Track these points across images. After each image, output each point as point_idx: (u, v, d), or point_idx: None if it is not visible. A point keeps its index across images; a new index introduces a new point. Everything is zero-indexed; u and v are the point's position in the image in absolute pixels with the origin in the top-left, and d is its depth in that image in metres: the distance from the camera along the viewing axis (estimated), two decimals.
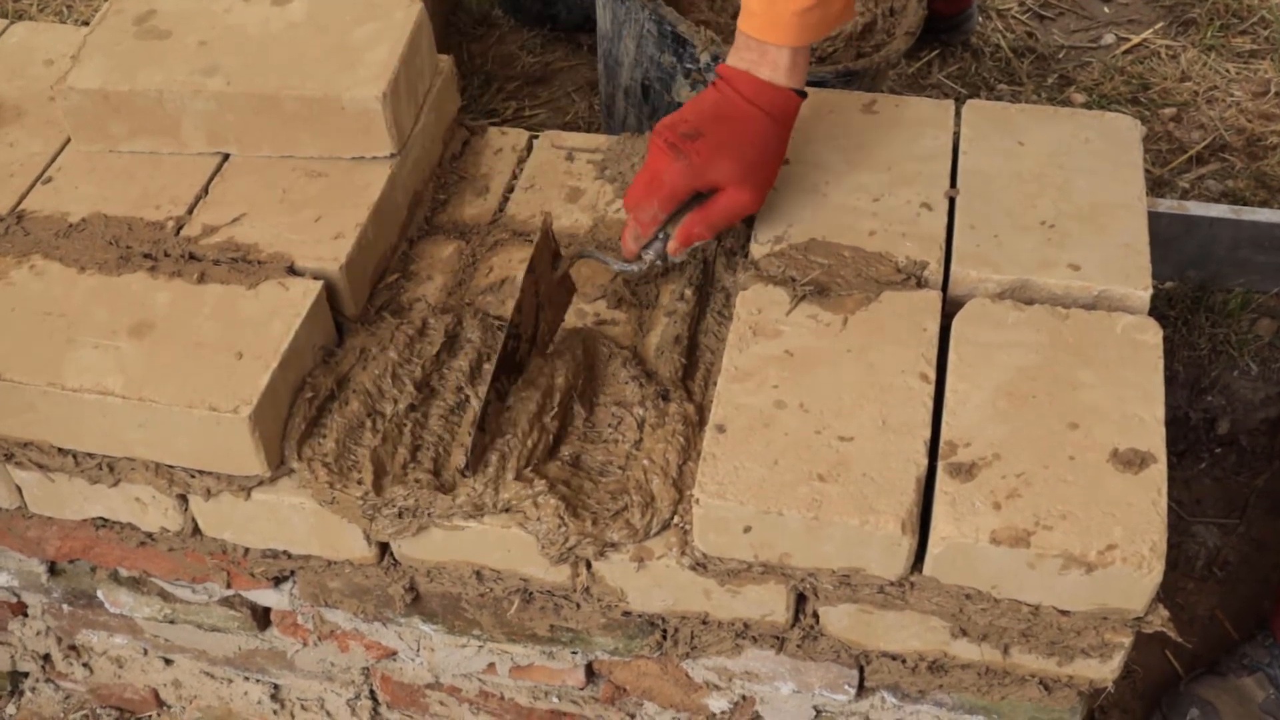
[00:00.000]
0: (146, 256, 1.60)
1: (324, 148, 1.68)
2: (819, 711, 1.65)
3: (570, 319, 1.63)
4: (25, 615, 1.98)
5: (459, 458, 1.45)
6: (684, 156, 1.46)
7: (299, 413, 1.49)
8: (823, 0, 1.42)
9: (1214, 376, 2.48)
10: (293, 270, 1.56)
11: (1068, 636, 1.38)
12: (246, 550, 1.61)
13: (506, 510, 1.44)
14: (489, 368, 1.52)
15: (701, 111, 1.50)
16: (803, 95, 1.51)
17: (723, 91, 1.50)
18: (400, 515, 1.46)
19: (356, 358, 1.55)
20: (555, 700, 1.77)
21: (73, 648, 2.01)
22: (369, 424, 1.49)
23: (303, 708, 1.97)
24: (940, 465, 1.34)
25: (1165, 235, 2.42)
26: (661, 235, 1.54)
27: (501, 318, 1.63)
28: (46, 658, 2.05)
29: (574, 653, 1.64)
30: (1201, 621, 2.29)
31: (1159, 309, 2.41)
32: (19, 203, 1.68)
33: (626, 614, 1.54)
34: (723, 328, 1.58)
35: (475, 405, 1.50)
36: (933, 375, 1.43)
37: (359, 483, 1.44)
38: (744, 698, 1.66)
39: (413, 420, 1.50)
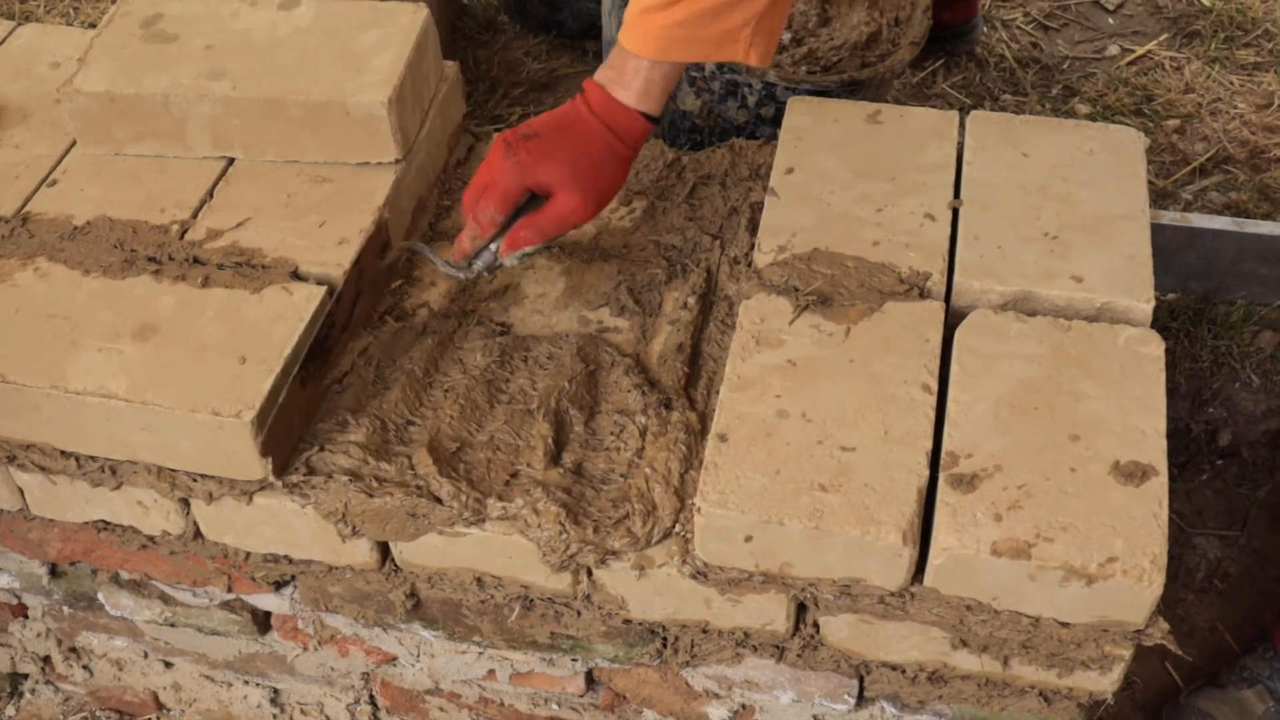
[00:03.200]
0: (151, 260, 1.60)
1: (329, 153, 1.68)
2: None
3: (572, 326, 1.63)
4: (26, 617, 1.98)
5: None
6: (515, 154, 1.48)
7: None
8: (696, 18, 1.40)
9: (1216, 388, 2.48)
10: (297, 275, 1.56)
11: (1068, 648, 1.38)
12: (248, 554, 1.61)
13: (509, 518, 1.44)
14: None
15: (546, 118, 1.52)
16: (653, 122, 1.50)
17: (574, 102, 1.52)
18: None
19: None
20: (555, 707, 1.77)
21: (73, 650, 2.01)
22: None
23: (302, 712, 1.96)
24: (941, 476, 1.34)
25: (1168, 247, 2.42)
26: (493, 245, 1.54)
27: (504, 324, 1.63)
28: (46, 660, 2.05)
29: (574, 660, 1.64)
30: (1202, 633, 2.28)
31: (1161, 320, 2.42)
32: (24, 205, 1.69)
33: (627, 622, 1.54)
34: (725, 336, 1.58)
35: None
36: (935, 386, 1.43)
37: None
38: (744, 706, 1.66)
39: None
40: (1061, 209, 1.60)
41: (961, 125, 1.73)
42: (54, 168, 1.74)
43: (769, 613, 1.46)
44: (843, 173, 1.66)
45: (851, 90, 2.22)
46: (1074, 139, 1.69)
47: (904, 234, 1.58)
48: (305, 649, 1.81)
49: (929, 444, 1.37)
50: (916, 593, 1.37)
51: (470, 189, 1.53)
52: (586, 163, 1.48)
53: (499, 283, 1.67)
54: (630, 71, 1.47)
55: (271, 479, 1.47)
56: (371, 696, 1.89)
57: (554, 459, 1.47)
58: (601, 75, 1.50)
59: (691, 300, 1.62)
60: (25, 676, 2.13)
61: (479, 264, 1.55)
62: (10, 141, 1.78)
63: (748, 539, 1.35)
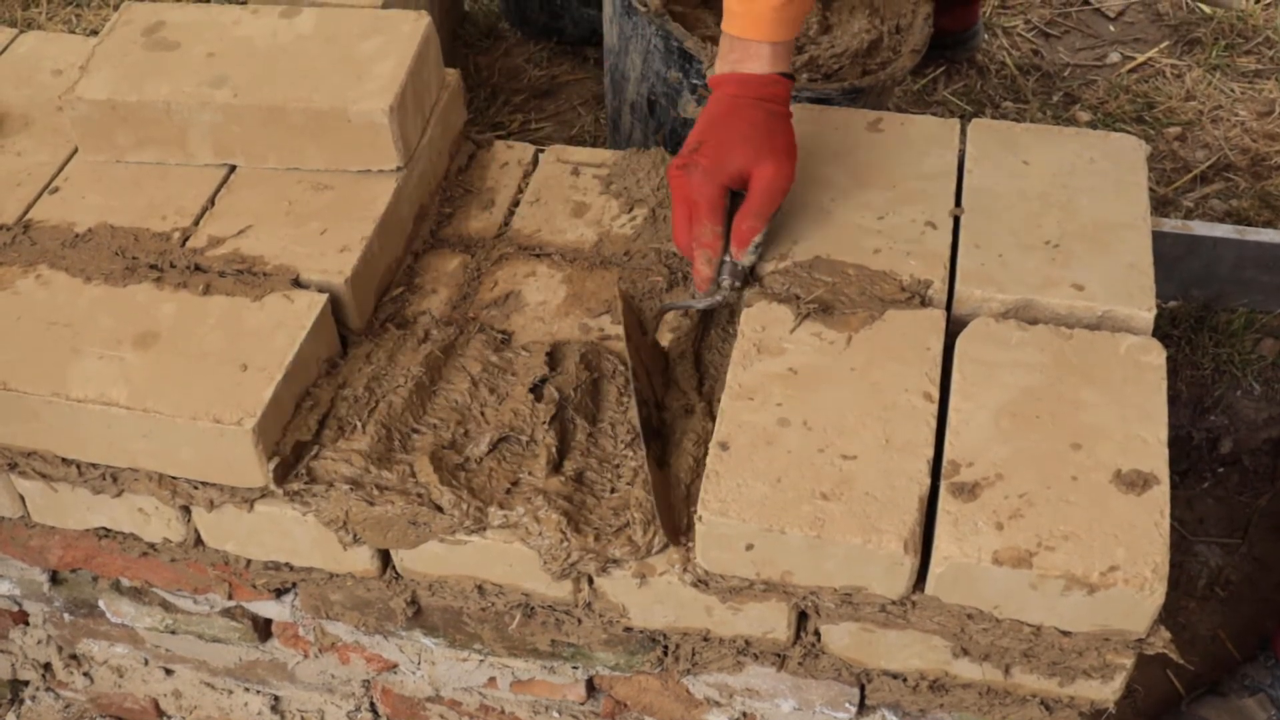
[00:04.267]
0: (152, 267, 1.60)
1: (330, 160, 1.68)
2: None
3: (573, 334, 1.63)
4: (26, 624, 1.98)
5: (647, 532, 1.42)
6: (695, 167, 1.50)
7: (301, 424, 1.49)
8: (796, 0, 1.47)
9: (1217, 396, 2.48)
10: (298, 283, 1.56)
11: (1069, 657, 1.38)
12: (248, 562, 1.61)
13: (510, 526, 1.44)
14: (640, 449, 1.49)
15: (696, 128, 1.55)
16: (791, 79, 1.55)
17: (712, 99, 1.55)
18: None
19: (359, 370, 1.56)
20: (556, 715, 1.77)
21: (74, 657, 2.00)
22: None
23: (303, 719, 1.96)
24: (943, 485, 1.34)
25: (1169, 255, 2.42)
26: (726, 258, 1.53)
27: (505, 331, 1.63)
28: (47, 666, 2.05)
29: (575, 668, 1.64)
30: (1203, 642, 2.28)
31: (1162, 328, 2.42)
32: (26, 212, 1.69)
33: (628, 630, 1.54)
34: (727, 345, 1.58)
35: (641, 479, 1.47)
36: (936, 394, 1.43)
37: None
38: (745, 714, 1.66)
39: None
40: (1062, 217, 1.60)
41: (963, 133, 1.73)
42: (56, 175, 1.74)
43: (770, 621, 1.46)
44: (843, 180, 1.66)
45: (852, 98, 2.22)
46: (1075, 147, 1.69)
47: (905, 242, 1.58)
48: (306, 656, 1.81)
49: (930, 452, 1.37)
50: (918, 601, 1.36)
51: (676, 229, 1.54)
52: (759, 134, 1.51)
53: (500, 290, 1.67)
54: (753, 52, 1.52)
55: (272, 487, 1.47)
56: (372, 704, 1.89)
57: (556, 467, 1.47)
58: (723, 64, 1.55)
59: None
60: (26, 683, 2.12)
61: (725, 280, 1.54)
62: (12, 149, 1.78)
63: (749, 547, 1.35)
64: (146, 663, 1.96)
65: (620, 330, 1.63)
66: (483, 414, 1.53)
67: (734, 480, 1.36)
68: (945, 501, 1.33)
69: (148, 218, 1.65)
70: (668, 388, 1.56)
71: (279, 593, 1.69)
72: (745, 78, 1.53)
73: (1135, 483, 1.33)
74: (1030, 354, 1.45)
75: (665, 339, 1.61)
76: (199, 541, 1.60)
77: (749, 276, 1.56)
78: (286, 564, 1.60)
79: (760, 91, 1.52)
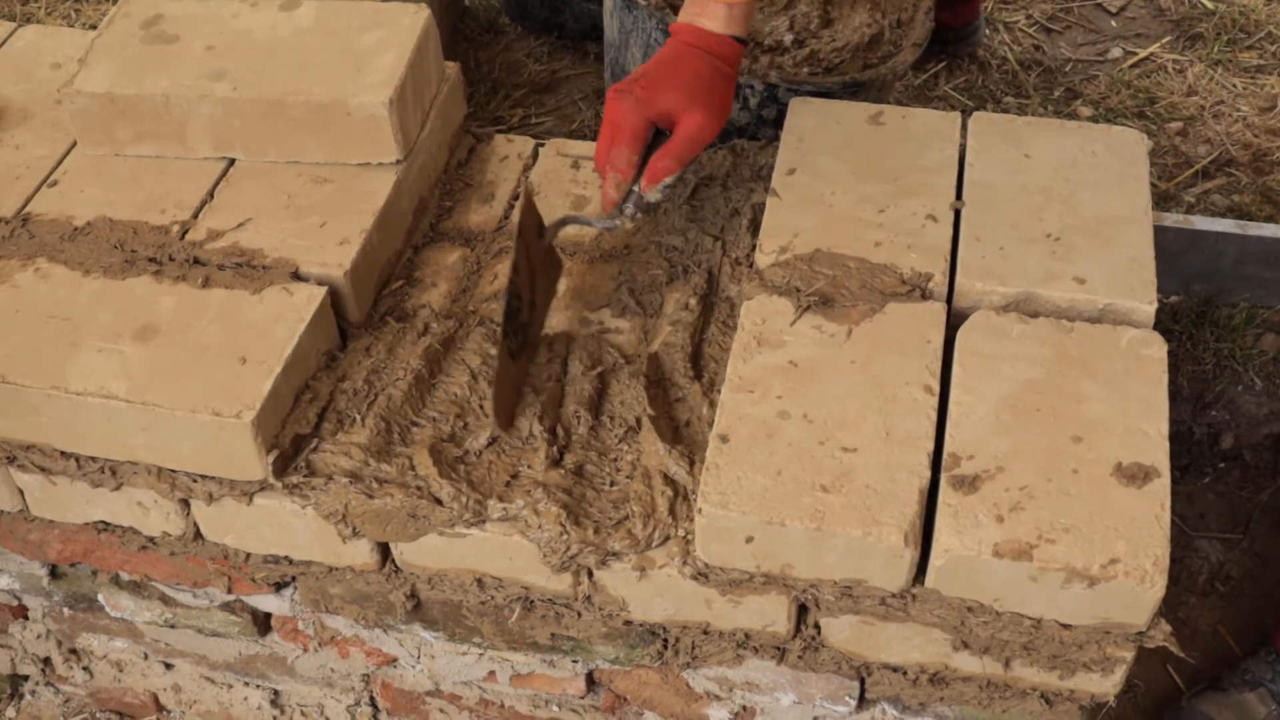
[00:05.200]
0: (151, 261, 1.60)
1: (330, 153, 1.68)
2: None
3: (573, 327, 1.63)
4: (26, 618, 1.98)
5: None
6: (630, 94, 1.53)
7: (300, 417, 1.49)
8: None
9: (1218, 391, 2.48)
10: (297, 276, 1.56)
11: (1069, 650, 1.38)
12: (248, 555, 1.61)
13: (510, 518, 1.44)
14: (497, 331, 1.55)
15: (647, 64, 1.58)
16: (743, 43, 1.58)
17: (667, 44, 1.59)
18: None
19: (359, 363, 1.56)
20: (556, 709, 1.77)
21: (73, 651, 2.00)
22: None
23: (302, 714, 1.96)
24: (943, 477, 1.34)
25: (1171, 249, 2.42)
26: (635, 187, 1.56)
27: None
28: (47, 661, 2.05)
29: (575, 661, 1.64)
30: (1204, 636, 2.28)
31: (1163, 323, 2.42)
32: (24, 205, 1.69)
33: (628, 623, 1.53)
34: (727, 338, 1.58)
35: (489, 366, 1.52)
36: (937, 387, 1.43)
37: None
38: (745, 708, 1.66)
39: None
40: (1064, 210, 1.59)
41: (964, 126, 1.72)
42: (54, 168, 1.73)
43: (770, 614, 1.46)
44: (844, 174, 1.66)
45: (853, 92, 2.21)
46: (1076, 141, 1.69)
47: (906, 235, 1.58)
48: (305, 650, 1.81)
49: (931, 445, 1.37)
50: (918, 594, 1.36)
51: (599, 146, 1.57)
52: (699, 84, 1.54)
53: (499, 282, 1.67)
54: (710, 9, 1.56)
55: (271, 480, 1.46)
56: (372, 698, 1.89)
57: (556, 460, 1.47)
58: (684, 14, 1.59)
59: (693, 301, 1.62)
60: (26, 678, 2.12)
61: (629, 208, 1.57)
62: (11, 142, 1.78)
63: (749, 540, 1.35)
64: (146, 657, 1.96)
65: (619, 323, 1.63)
66: (481, 407, 1.53)
67: (734, 473, 1.36)
68: (945, 494, 1.33)
69: (147, 211, 1.65)
70: (549, 292, 1.61)
71: (278, 586, 1.69)
72: (700, 31, 1.56)
73: (1136, 475, 1.32)
74: (1031, 347, 1.45)
75: (663, 330, 1.60)
76: (198, 535, 1.60)
77: (650, 210, 1.59)
78: (286, 557, 1.59)
79: (711, 46, 1.56)
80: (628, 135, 1.54)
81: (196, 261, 1.59)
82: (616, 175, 1.55)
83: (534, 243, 1.59)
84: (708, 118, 1.53)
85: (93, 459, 1.54)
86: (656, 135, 1.56)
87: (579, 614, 1.54)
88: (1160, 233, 1.83)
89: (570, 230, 1.73)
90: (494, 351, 1.57)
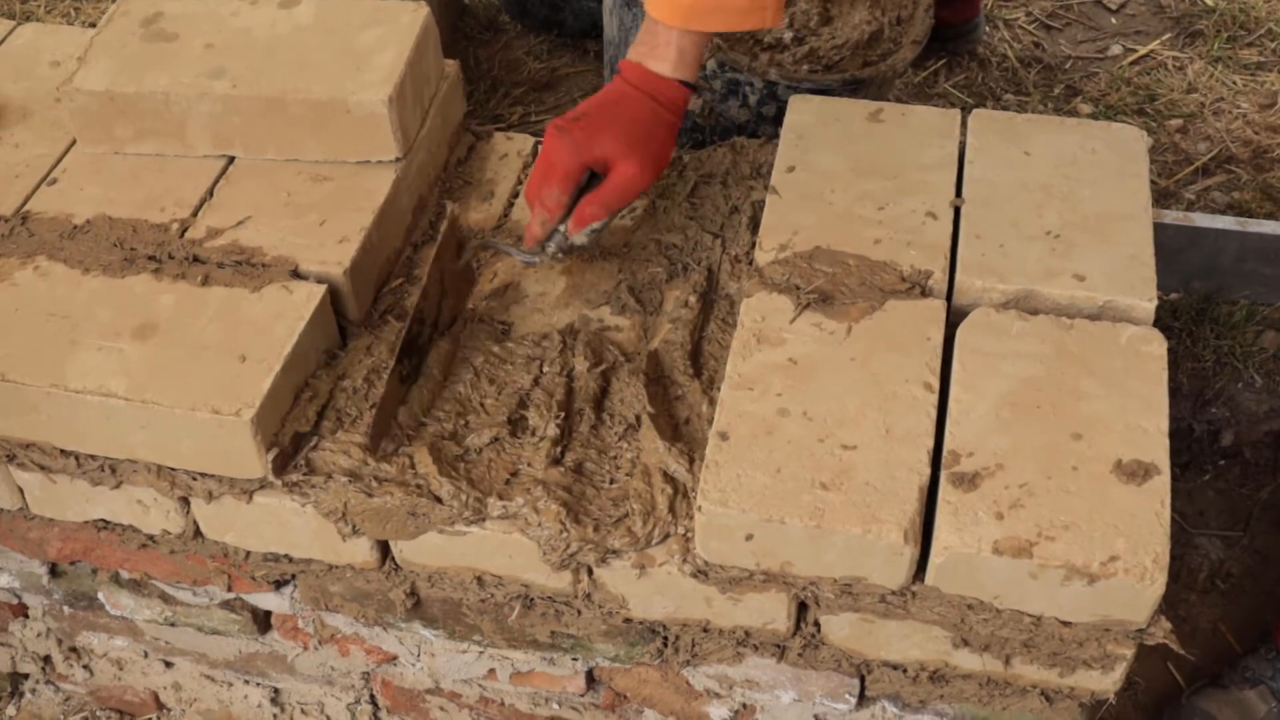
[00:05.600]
0: (151, 259, 1.60)
1: (329, 151, 1.68)
2: None
3: (573, 324, 1.63)
4: (26, 617, 1.98)
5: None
6: (568, 134, 1.53)
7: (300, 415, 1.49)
8: None
9: (1218, 388, 2.48)
10: (297, 274, 1.56)
11: (1069, 648, 1.38)
12: (248, 553, 1.61)
13: (510, 517, 1.44)
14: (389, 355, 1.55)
15: (591, 101, 1.58)
16: (692, 89, 1.56)
17: (614, 82, 1.57)
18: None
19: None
20: (556, 707, 1.77)
21: (73, 649, 2.00)
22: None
23: (303, 712, 1.96)
24: (943, 475, 1.34)
25: (1171, 247, 2.42)
26: (562, 227, 1.57)
27: (505, 322, 1.63)
28: (47, 659, 2.05)
29: (575, 659, 1.64)
30: (1204, 634, 2.28)
31: (1164, 320, 2.42)
32: (24, 204, 1.69)
33: (627, 621, 1.53)
34: (727, 335, 1.58)
35: (378, 387, 1.52)
36: (936, 384, 1.43)
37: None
38: (745, 706, 1.66)
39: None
40: (1064, 208, 1.59)
41: (963, 124, 1.72)
42: (54, 166, 1.73)
43: (770, 612, 1.46)
44: (844, 171, 1.66)
45: (853, 89, 2.21)
46: (1076, 138, 1.69)
47: (905, 232, 1.57)
48: (305, 648, 1.81)
49: (930, 442, 1.37)
50: (918, 591, 1.36)
51: (531, 179, 1.57)
52: (637, 132, 1.53)
53: (499, 281, 1.67)
54: (662, 44, 1.53)
55: (271, 478, 1.46)
56: (372, 696, 1.89)
57: (557, 459, 1.47)
58: (635, 52, 1.56)
59: (693, 299, 1.62)
60: (26, 676, 2.12)
61: (551, 246, 1.58)
62: (10, 140, 1.78)
63: (748, 537, 1.35)
64: (146, 655, 1.96)
65: (618, 321, 1.63)
66: (483, 405, 1.53)
67: (734, 470, 1.36)
68: (945, 491, 1.33)
69: (146, 209, 1.65)
70: (455, 309, 1.62)
71: (278, 584, 1.69)
72: (646, 73, 1.54)
73: (1136, 473, 1.32)
74: (1031, 344, 1.45)
75: (663, 327, 1.60)
76: (198, 533, 1.60)
77: (572, 251, 1.60)
78: (286, 555, 1.59)
79: (656, 91, 1.54)
80: (560, 175, 1.53)
81: (196, 259, 1.59)
82: (544, 213, 1.56)
83: (450, 264, 1.60)
84: (640, 169, 1.52)
85: (92, 457, 1.54)
86: (592, 176, 1.56)
87: (579, 612, 1.54)
88: (1160, 230, 1.82)
89: None
90: (495, 350, 1.57)
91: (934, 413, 1.40)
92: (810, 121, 1.73)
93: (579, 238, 1.56)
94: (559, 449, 1.48)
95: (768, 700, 1.62)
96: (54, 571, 1.84)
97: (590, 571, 1.47)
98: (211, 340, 1.49)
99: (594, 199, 1.54)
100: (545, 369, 1.56)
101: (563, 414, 1.51)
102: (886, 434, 1.38)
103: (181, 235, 1.62)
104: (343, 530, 1.49)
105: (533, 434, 1.49)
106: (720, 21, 1.51)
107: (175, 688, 2.01)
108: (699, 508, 1.34)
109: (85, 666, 2.02)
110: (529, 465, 1.47)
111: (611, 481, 1.46)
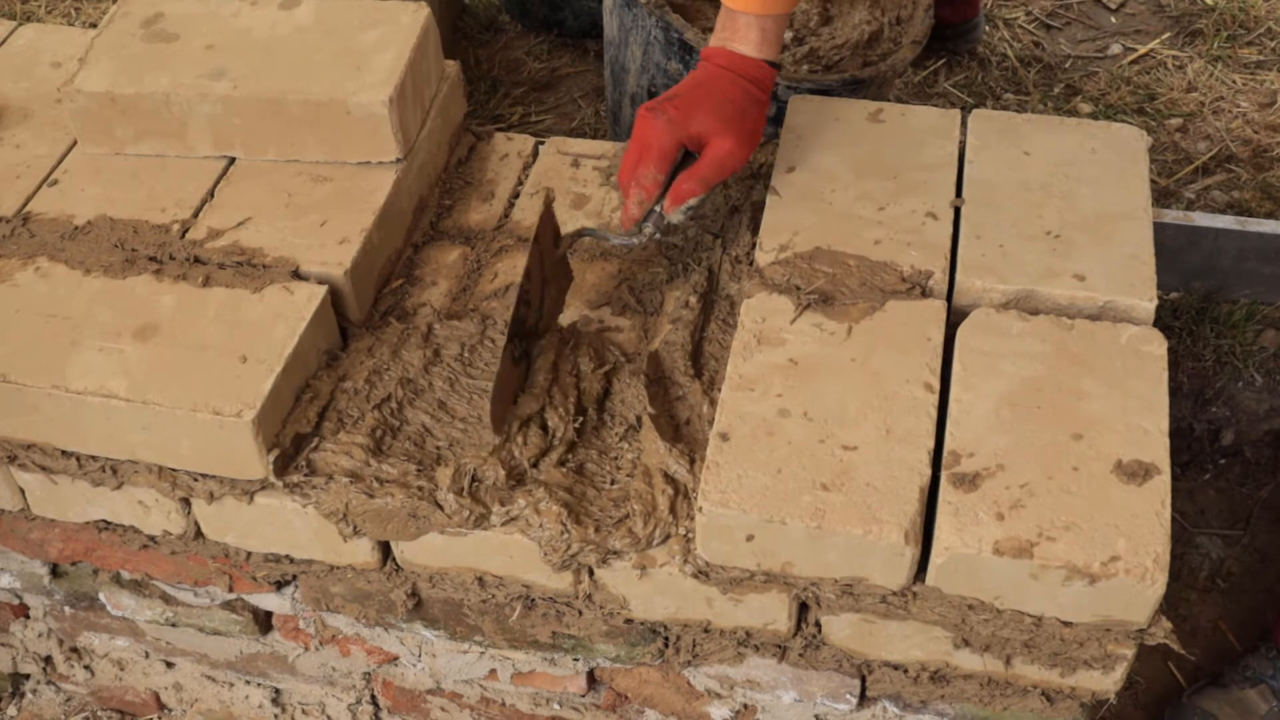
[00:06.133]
0: (152, 259, 1.60)
1: (330, 152, 1.68)
2: None
3: (578, 325, 1.63)
4: (27, 617, 1.98)
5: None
6: (663, 114, 1.53)
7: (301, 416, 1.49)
8: None
9: (1219, 388, 2.48)
10: (297, 274, 1.56)
11: (1070, 648, 1.38)
12: (249, 554, 1.61)
13: (511, 520, 1.44)
14: (471, 382, 1.53)
15: (681, 84, 1.58)
16: (776, 67, 1.58)
17: (701, 67, 1.58)
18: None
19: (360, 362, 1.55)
20: (557, 707, 1.77)
21: (74, 650, 2.01)
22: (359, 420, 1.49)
23: (304, 712, 1.96)
24: (944, 475, 1.34)
25: (1171, 246, 2.42)
26: (658, 207, 1.56)
27: (506, 323, 1.63)
28: (48, 660, 2.05)
29: (576, 659, 1.64)
30: (1204, 633, 2.28)
31: (1164, 320, 2.42)
32: (25, 204, 1.69)
33: (628, 621, 1.53)
34: (727, 336, 1.58)
35: (459, 418, 1.51)
36: (937, 385, 1.43)
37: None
38: (745, 706, 1.66)
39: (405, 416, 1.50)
40: (1064, 207, 1.59)
41: (963, 124, 1.72)
42: (55, 167, 1.73)
43: (771, 612, 1.46)
44: (844, 172, 1.66)
45: (853, 89, 2.21)
46: (1076, 137, 1.69)
47: (906, 233, 1.57)
48: (306, 649, 1.81)
49: (931, 443, 1.37)
50: (918, 592, 1.36)
51: (625, 162, 1.57)
52: (732, 109, 1.54)
53: (500, 281, 1.67)
54: (743, 27, 1.56)
55: (272, 479, 1.46)
56: (373, 696, 1.89)
57: (563, 461, 1.47)
58: (717, 38, 1.59)
59: (693, 299, 1.62)
60: (27, 677, 2.12)
61: (649, 227, 1.57)
62: (11, 141, 1.78)
63: (749, 538, 1.35)
64: (147, 656, 1.96)
65: (619, 321, 1.63)
66: (480, 418, 1.52)
67: (734, 471, 1.36)
68: (946, 492, 1.33)
69: (147, 210, 1.65)
70: (559, 301, 1.60)
71: (279, 585, 1.69)
72: (733, 55, 1.56)
73: (1136, 473, 1.32)
74: (1031, 344, 1.45)
75: (663, 328, 1.60)
76: (199, 534, 1.60)
77: (669, 231, 1.60)
78: (287, 556, 1.59)
79: (745, 70, 1.56)
80: (656, 154, 1.53)
81: (197, 260, 1.59)
82: (641, 193, 1.55)
83: (549, 251, 1.58)
84: (737, 144, 1.53)
85: (93, 458, 1.54)
86: (685, 156, 1.56)
87: (580, 612, 1.55)
88: (1160, 229, 1.83)
89: (571, 229, 1.73)
90: (498, 355, 1.57)
91: (934, 413, 1.40)
92: (810, 122, 1.73)
93: (675, 215, 1.55)
94: (568, 451, 1.48)
95: (769, 700, 1.63)
96: (55, 572, 1.84)
97: (591, 572, 1.47)
98: (212, 341, 1.49)
99: (691, 175, 1.54)
100: (560, 369, 1.55)
101: (580, 418, 1.50)
102: (887, 434, 1.38)
103: (182, 236, 1.62)
104: (344, 531, 1.49)
105: (551, 436, 1.49)
106: (791, 1, 1.55)
107: (176, 688, 2.01)
108: (700, 508, 1.34)
109: (86, 667, 2.02)
110: (532, 467, 1.47)
111: (612, 482, 1.46)
